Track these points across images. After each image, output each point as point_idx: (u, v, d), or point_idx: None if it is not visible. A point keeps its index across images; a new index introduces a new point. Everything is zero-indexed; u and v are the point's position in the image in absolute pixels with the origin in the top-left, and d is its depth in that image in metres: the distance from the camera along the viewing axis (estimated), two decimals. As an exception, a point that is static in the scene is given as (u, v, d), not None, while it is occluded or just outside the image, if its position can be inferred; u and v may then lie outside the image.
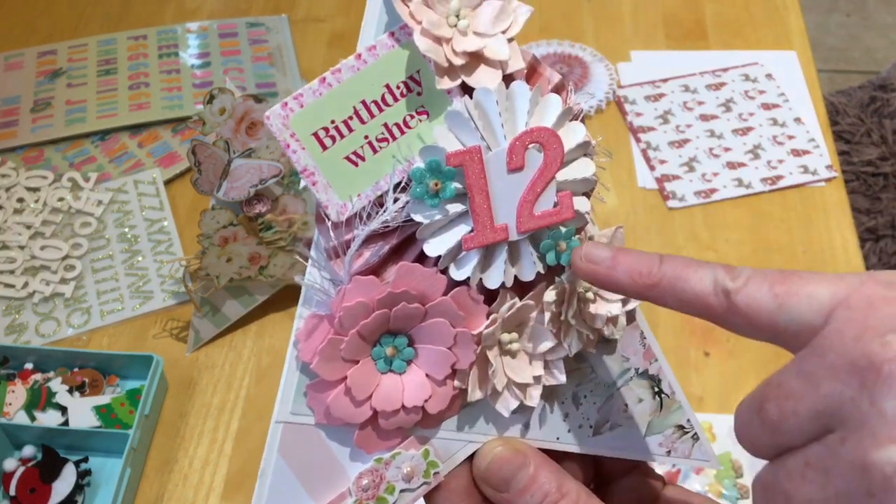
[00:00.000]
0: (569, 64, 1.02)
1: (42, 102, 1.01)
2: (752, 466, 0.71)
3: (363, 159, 0.34)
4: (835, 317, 0.25)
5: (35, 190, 0.92)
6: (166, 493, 0.72)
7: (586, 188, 0.35)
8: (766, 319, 0.27)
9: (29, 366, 0.76)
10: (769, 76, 1.01)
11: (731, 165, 0.93)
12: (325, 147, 0.34)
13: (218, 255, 0.75)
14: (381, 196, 0.34)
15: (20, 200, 0.91)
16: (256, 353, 0.80)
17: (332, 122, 0.34)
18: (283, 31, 1.08)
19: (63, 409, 0.73)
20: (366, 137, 0.34)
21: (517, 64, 0.35)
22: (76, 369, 0.76)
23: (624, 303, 0.37)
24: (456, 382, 0.35)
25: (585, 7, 1.10)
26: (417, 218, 0.33)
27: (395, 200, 0.34)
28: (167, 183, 0.93)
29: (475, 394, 0.35)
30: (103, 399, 0.74)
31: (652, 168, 0.92)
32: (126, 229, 0.89)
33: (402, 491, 0.36)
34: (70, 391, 0.74)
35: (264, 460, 0.35)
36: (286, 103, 0.33)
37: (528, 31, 1.07)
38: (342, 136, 0.34)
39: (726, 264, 0.29)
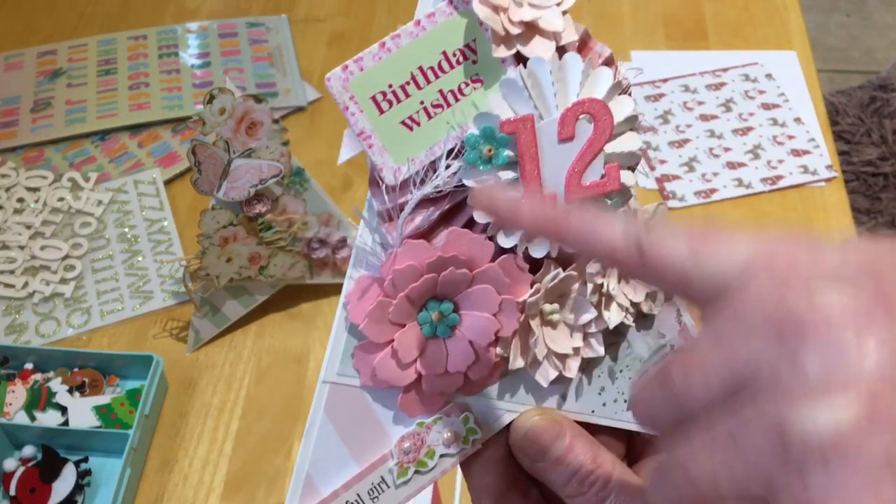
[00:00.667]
0: (569, 64, 1.02)
1: (42, 102, 1.01)
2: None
3: (418, 124, 0.35)
4: (755, 276, 0.23)
5: (35, 190, 0.92)
6: (166, 493, 0.72)
7: (632, 162, 0.36)
8: (678, 274, 0.25)
9: (29, 366, 0.76)
10: (769, 76, 1.01)
11: (731, 165, 0.93)
12: (382, 111, 0.35)
13: (218, 255, 0.75)
14: (434, 161, 0.35)
15: (20, 200, 0.91)
16: (256, 353, 0.80)
17: (390, 86, 0.34)
18: (283, 31, 1.08)
19: (63, 409, 0.73)
20: (421, 103, 0.35)
21: (570, 36, 0.35)
22: (76, 369, 0.76)
23: None
24: (498, 350, 0.36)
25: (585, 7, 1.10)
26: (469, 184, 0.34)
27: (448, 167, 0.34)
28: (167, 183, 0.93)
29: (517, 362, 0.36)
30: (103, 399, 0.74)
31: (652, 168, 0.92)
32: (126, 229, 0.89)
33: (441, 456, 0.36)
34: (70, 391, 0.74)
35: (310, 419, 0.36)
36: (347, 66, 0.34)
37: (528, 31, 1.07)
38: (399, 101, 0.35)
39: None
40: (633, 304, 0.37)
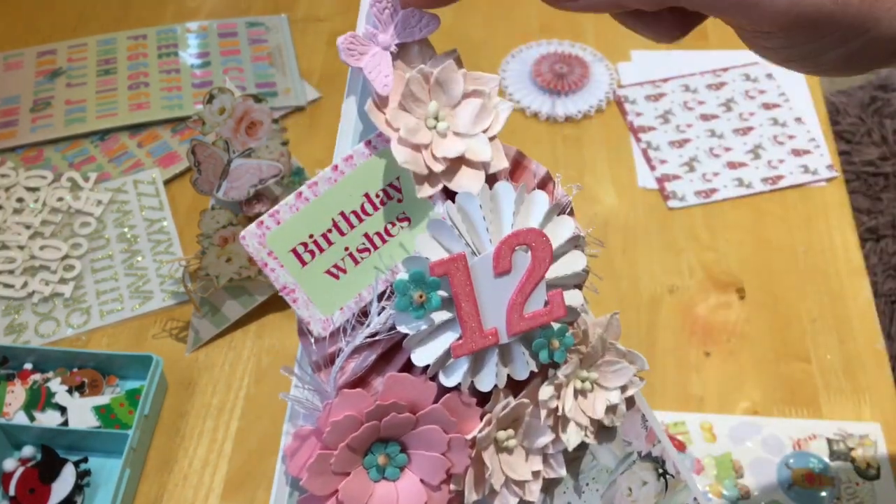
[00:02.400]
0: (569, 64, 1.02)
1: (42, 102, 1.01)
2: (752, 466, 0.71)
3: (344, 272, 0.34)
4: None
5: (34, 190, 0.92)
6: (166, 494, 0.72)
7: (577, 281, 0.34)
8: None
9: (28, 366, 0.76)
10: (769, 76, 1.01)
11: (732, 165, 0.93)
12: (304, 263, 0.33)
13: (218, 255, 0.75)
14: (364, 307, 0.34)
15: (20, 200, 0.91)
16: (256, 353, 0.80)
17: (311, 236, 0.33)
18: (283, 31, 1.08)
19: (62, 410, 0.73)
20: (346, 249, 0.33)
21: (500, 163, 0.34)
22: (76, 369, 0.76)
23: (623, 390, 0.36)
24: (452, 486, 0.35)
25: (585, 7, 1.10)
26: (402, 329, 0.33)
27: (381, 311, 0.33)
28: (167, 183, 0.93)
29: (471, 496, 0.35)
30: (103, 399, 0.74)
31: (652, 168, 0.92)
32: (126, 229, 0.88)
33: None
34: (69, 391, 0.74)
35: None
36: (262, 222, 0.33)
37: (529, 31, 1.07)
38: (322, 250, 0.33)
39: None
40: (593, 421, 0.36)
